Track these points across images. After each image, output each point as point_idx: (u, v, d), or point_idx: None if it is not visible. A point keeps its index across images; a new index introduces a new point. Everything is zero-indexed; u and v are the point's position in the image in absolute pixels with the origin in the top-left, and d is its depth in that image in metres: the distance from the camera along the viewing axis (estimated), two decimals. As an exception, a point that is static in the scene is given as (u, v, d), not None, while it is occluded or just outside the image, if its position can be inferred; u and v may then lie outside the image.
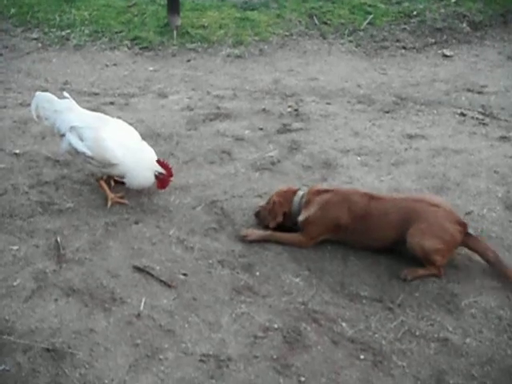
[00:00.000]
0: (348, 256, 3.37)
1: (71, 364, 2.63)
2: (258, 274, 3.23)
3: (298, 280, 3.19)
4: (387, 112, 5.25)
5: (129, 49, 6.82)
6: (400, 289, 3.16)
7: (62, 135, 3.80)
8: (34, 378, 2.56)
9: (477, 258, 3.33)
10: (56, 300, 3.00)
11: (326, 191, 3.48)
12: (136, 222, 3.63)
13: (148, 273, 3.20)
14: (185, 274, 3.20)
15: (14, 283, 3.10)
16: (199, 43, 6.85)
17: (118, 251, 3.37)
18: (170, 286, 3.11)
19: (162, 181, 3.78)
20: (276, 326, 2.88)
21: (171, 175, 3.77)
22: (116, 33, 7.12)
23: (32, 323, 2.85)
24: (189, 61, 6.51)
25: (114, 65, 6.46)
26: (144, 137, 4.48)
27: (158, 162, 3.75)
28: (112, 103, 5.34)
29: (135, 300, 3.01)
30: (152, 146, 4.16)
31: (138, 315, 2.92)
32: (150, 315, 2.92)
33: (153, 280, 3.16)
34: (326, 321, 2.93)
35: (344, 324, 2.92)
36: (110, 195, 3.81)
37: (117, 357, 2.68)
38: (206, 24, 7.17)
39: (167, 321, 2.89)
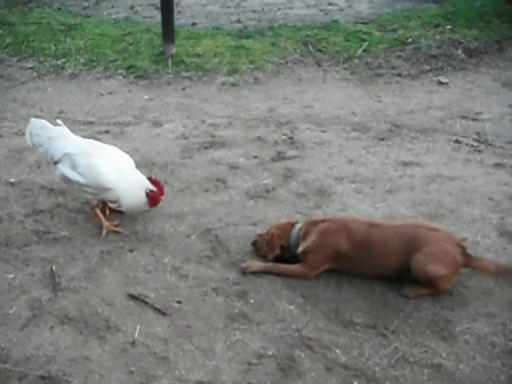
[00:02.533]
0: (342, 283, 3.38)
1: (65, 392, 2.63)
2: (252, 301, 3.24)
3: (292, 307, 3.20)
4: (382, 139, 5.31)
5: (124, 77, 6.90)
6: (394, 315, 3.17)
7: (55, 162, 3.83)
8: (28, 407, 2.56)
9: (471, 283, 3.36)
10: (51, 328, 3.00)
11: (323, 221, 3.51)
12: (131, 250, 3.64)
13: (143, 301, 3.20)
14: (179, 302, 3.21)
15: (10, 311, 3.11)
16: (194, 71, 6.93)
17: (113, 279, 3.38)
18: (164, 314, 3.12)
19: (153, 198, 3.80)
20: (270, 353, 2.88)
21: (162, 193, 3.82)
22: (111, 61, 7.20)
23: (27, 351, 2.85)
24: (184, 89, 6.58)
25: (109, 93, 6.52)
26: (139, 165, 4.51)
27: (150, 179, 3.80)
28: (107, 132, 5.39)
29: (130, 328, 3.01)
30: (147, 174, 4.20)
31: (133, 343, 2.92)
32: (145, 343, 2.92)
33: (147, 308, 3.16)
34: (319, 348, 2.93)
35: (338, 351, 2.92)
36: (105, 223, 3.83)
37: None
38: (200, 52, 7.26)
39: (162, 348, 2.90)
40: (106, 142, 5.03)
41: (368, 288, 3.35)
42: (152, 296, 3.24)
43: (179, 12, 8.84)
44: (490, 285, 3.36)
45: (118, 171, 3.74)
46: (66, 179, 3.80)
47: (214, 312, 3.15)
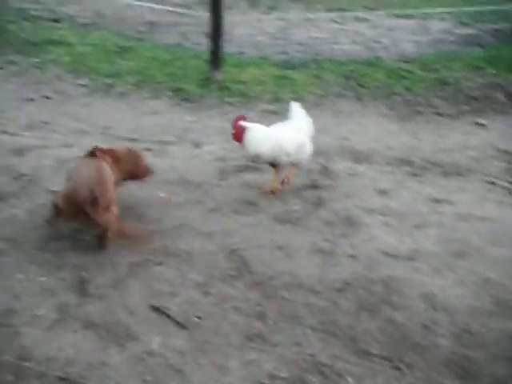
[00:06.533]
0: (361, 311, 3.41)
1: (82, 394, 2.73)
2: (271, 323, 3.30)
3: (309, 332, 3.24)
4: (415, 175, 5.33)
5: (169, 99, 7.12)
6: (411, 350, 3.17)
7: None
8: (45, 403, 2.68)
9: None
10: (75, 332, 3.12)
11: None
12: (158, 264, 3.75)
13: (164, 313, 3.30)
14: (199, 318, 3.29)
15: (38, 312, 3.25)
16: (237, 97, 7.10)
17: (138, 290, 3.49)
18: (184, 327, 3.20)
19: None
20: (282, 374, 2.93)
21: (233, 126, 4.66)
22: (159, 83, 7.45)
23: (49, 352, 2.96)
24: (226, 114, 6.75)
25: (154, 113, 6.73)
26: (175, 183, 4.65)
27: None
28: (149, 149, 5.56)
29: (149, 338, 3.11)
30: (181, 192, 4.34)
31: (151, 353, 3.01)
32: (162, 354, 3.01)
33: (168, 320, 3.25)
34: (332, 374, 2.96)
35: (350, 379, 2.95)
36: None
37: (125, 391, 2.77)
38: (245, 80, 7.45)
39: (178, 360, 2.98)
40: (146, 159, 5.25)
41: (387, 320, 3.37)
42: (174, 309, 3.34)
43: (228, 41, 9.07)
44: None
45: None
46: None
47: (233, 330, 3.22)
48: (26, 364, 2.87)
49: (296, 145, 4.69)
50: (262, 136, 4.60)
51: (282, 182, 4.79)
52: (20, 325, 3.15)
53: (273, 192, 4.71)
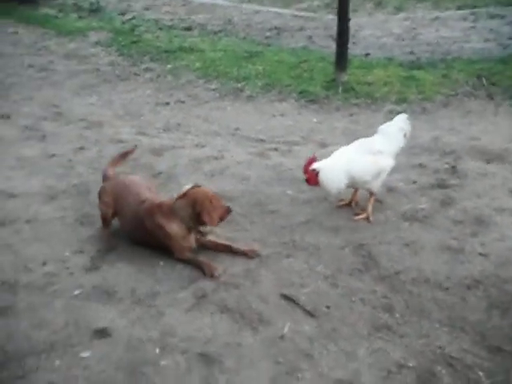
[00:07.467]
0: (492, 309, 3.37)
1: (219, 370, 2.95)
2: (397, 315, 3.36)
3: (437, 325, 3.26)
4: (552, 176, 5.11)
5: (296, 101, 7.32)
6: (546, 349, 3.10)
7: None
8: (189, 375, 2.93)
9: None
10: (211, 314, 3.36)
11: None
12: (287, 257, 3.92)
13: (294, 301, 3.46)
14: (328, 307, 3.42)
15: (178, 296, 3.53)
16: (363, 99, 7.16)
17: (269, 280, 3.68)
18: (313, 316, 3.34)
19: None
20: (410, 364, 2.98)
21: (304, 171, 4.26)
22: (285, 86, 7.69)
23: (190, 331, 3.23)
24: (351, 115, 6.83)
25: (281, 115, 6.96)
26: (300, 181, 4.81)
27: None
28: (276, 149, 5.78)
29: (280, 324, 3.28)
30: (309, 189, 4.50)
31: (282, 337, 3.18)
32: (293, 339, 3.17)
33: (298, 308, 3.41)
34: (462, 367, 2.97)
35: (481, 373, 2.94)
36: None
37: (259, 370, 2.95)
38: (371, 81, 7.48)
39: (307, 346, 3.12)
40: (273, 159, 5.47)
41: (519, 319, 3.31)
42: (303, 298, 3.49)
43: (354, 43, 9.15)
44: None
45: None
46: None
47: (360, 320, 3.32)
48: (172, 339, 3.15)
49: (372, 173, 4.29)
50: (336, 173, 4.22)
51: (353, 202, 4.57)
52: (163, 305, 3.45)
53: (367, 218, 4.37)
